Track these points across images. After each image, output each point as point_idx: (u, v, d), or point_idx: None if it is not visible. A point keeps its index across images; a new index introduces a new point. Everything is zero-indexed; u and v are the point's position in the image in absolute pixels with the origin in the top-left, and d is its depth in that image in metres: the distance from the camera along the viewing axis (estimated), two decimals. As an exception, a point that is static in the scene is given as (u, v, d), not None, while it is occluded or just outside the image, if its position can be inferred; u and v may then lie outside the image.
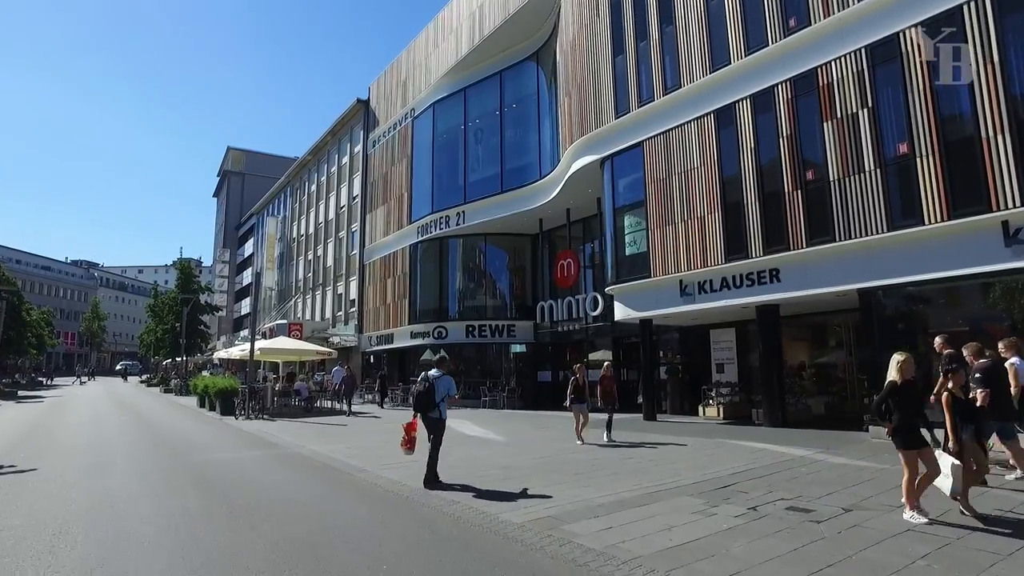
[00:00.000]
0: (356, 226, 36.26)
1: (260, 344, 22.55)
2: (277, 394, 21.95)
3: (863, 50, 12.35)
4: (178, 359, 49.09)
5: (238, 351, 25.07)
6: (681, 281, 16.10)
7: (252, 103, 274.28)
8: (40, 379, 55.07)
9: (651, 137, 17.10)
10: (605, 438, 12.57)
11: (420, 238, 28.84)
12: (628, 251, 18.09)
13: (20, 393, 37.14)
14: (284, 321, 38.68)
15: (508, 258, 28.05)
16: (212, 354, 56.91)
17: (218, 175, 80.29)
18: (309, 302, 43.92)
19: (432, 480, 8.56)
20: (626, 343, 23.13)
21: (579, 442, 12.38)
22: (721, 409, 17.30)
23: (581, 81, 20.03)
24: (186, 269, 48.81)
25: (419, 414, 8.80)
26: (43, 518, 6.88)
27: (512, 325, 26.53)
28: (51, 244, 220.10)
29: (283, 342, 24.01)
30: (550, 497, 7.68)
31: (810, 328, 17.99)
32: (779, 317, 15.17)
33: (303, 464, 10.98)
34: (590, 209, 22.99)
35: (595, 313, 21.78)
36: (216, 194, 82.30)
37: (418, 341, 28.38)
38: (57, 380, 60.32)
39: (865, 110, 12.30)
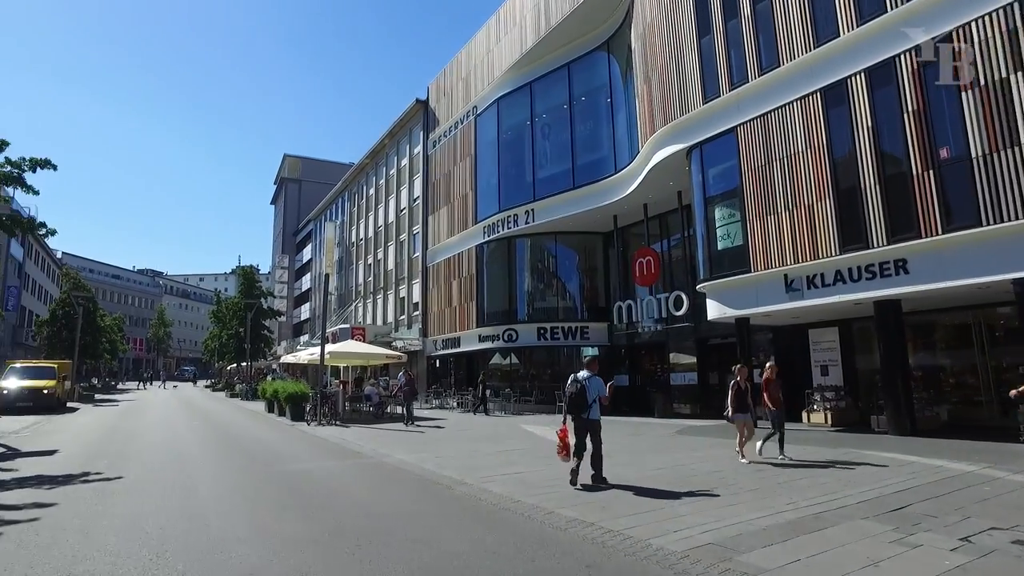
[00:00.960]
0: (418, 228, 35.82)
1: (330, 348, 22.10)
2: (348, 399, 21.43)
3: (1015, 5, 10.86)
4: (242, 364, 49.85)
5: (307, 355, 24.74)
6: (786, 276, 14.75)
7: (306, 111, 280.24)
8: (112, 383, 56.87)
9: (746, 121, 15.81)
10: (777, 455, 10.47)
11: (486, 238, 28.07)
12: (721, 245, 16.82)
13: (96, 397, 38.02)
14: (346, 325, 38.54)
15: (579, 257, 27.02)
16: (274, 360, 57.62)
17: (275, 183, 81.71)
18: (370, 306, 43.77)
19: (600, 479, 8.66)
20: (710, 344, 21.80)
21: (743, 460, 10.34)
22: (829, 415, 15.85)
23: (662, 67, 18.86)
24: (248, 274, 49.51)
25: (571, 416, 8.76)
26: (138, 538, 6.17)
27: (586, 327, 25.47)
28: (118, 255, 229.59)
29: (353, 346, 23.55)
30: (698, 516, 6.62)
31: (927, 327, 16.33)
32: (902, 313, 13.69)
33: (397, 477, 10.17)
34: (669, 203, 21.81)
35: (680, 312, 20.51)
36: (273, 201, 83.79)
37: (487, 344, 27.58)
38: (129, 384, 62.03)
39: (1019, 73, 10.81)
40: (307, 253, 64.72)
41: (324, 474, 10.35)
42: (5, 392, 24.17)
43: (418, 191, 36.16)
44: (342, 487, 9.12)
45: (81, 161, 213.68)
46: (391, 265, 40.02)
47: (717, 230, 16.94)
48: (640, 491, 8.17)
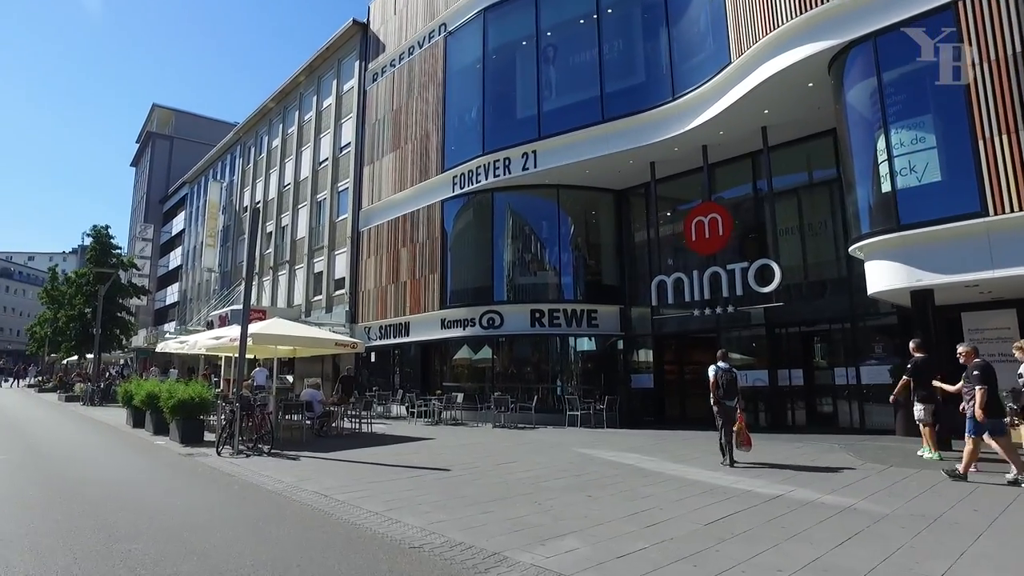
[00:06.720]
0: (347, 184, 28.04)
1: (256, 328, 14.42)
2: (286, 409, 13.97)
3: None
4: (88, 356, 38.92)
5: (208, 339, 16.71)
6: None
7: (179, 57, 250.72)
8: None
9: (977, -9, 10.46)
10: None
11: (457, 191, 21.24)
12: (901, 183, 11.37)
13: None
14: (239, 307, 29.82)
15: (583, 221, 20.99)
16: (125, 353, 46.55)
17: (138, 140, 68.44)
18: (267, 285, 35.06)
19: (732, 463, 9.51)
20: (784, 332, 16.71)
21: None
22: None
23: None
24: (102, 238, 38.76)
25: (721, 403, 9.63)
26: None
27: (593, 311, 19.47)
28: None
29: (287, 327, 15.86)
30: None
31: None
32: None
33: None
34: (740, 146, 16.53)
35: (767, 290, 14.95)
36: (135, 163, 70.28)
37: (455, 332, 20.78)
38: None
39: None
40: (180, 222, 53.51)
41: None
42: None
43: (350, 136, 28.35)
44: None
45: None
46: (303, 232, 31.76)
47: (893, 164, 11.47)
48: None
